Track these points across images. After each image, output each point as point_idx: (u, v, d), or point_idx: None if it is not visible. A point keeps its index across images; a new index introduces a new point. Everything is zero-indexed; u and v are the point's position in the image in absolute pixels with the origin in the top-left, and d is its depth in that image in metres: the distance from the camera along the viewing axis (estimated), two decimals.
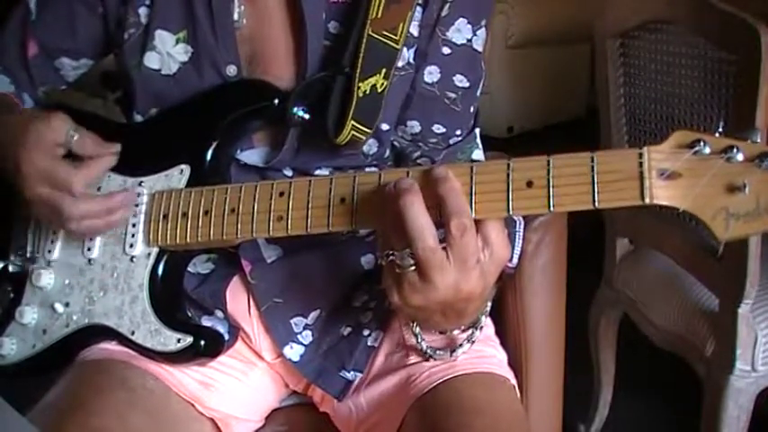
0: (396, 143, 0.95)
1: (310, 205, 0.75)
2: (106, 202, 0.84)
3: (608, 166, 0.64)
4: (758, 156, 0.60)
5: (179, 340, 0.83)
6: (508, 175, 0.66)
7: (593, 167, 0.64)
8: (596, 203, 0.64)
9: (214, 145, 0.88)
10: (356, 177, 0.74)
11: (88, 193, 0.84)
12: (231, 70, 0.89)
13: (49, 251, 0.90)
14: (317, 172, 0.93)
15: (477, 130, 0.95)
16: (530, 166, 0.66)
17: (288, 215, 0.77)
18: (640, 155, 0.63)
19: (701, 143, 0.61)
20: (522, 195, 0.66)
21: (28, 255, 0.92)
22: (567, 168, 0.65)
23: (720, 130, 0.62)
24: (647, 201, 0.62)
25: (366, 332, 0.93)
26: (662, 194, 0.62)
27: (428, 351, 0.86)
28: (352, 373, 0.92)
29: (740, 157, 0.60)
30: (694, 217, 0.62)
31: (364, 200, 0.73)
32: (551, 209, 0.65)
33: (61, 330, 0.88)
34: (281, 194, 0.77)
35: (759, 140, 0.61)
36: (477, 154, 0.95)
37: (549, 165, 0.65)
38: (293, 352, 0.93)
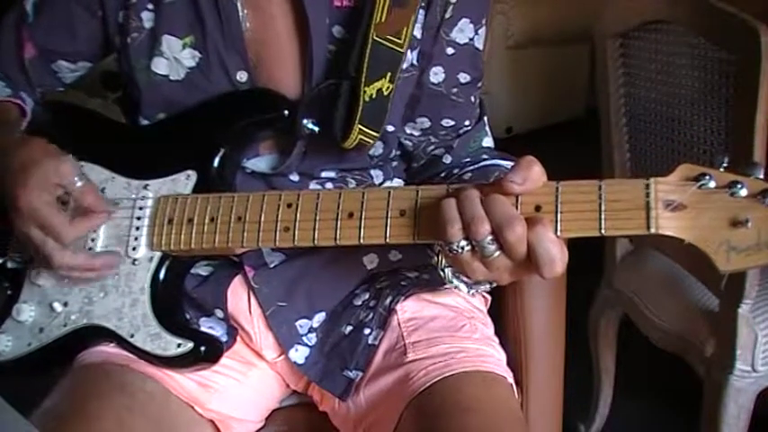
0: (407, 142, 0.96)
1: (318, 218, 0.76)
2: (88, 261, 0.84)
3: (615, 195, 0.65)
4: (761, 192, 0.62)
5: (179, 345, 0.83)
6: (517, 198, 0.67)
7: (600, 195, 0.65)
8: (602, 231, 0.65)
9: (221, 152, 0.88)
10: (365, 193, 0.75)
11: (71, 249, 0.83)
12: (242, 76, 0.89)
13: None
14: (324, 174, 0.93)
15: (486, 119, 0.97)
16: (538, 191, 0.67)
17: (294, 226, 0.77)
18: (647, 186, 0.64)
19: (707, 177, 0.63)
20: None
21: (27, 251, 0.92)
22: (575, 195, 0.66)
23: (725, 164, 0.64)
24: (653, 231, 0.64)
25: (367, 330, 0.93)
26: (667, 225, 0.64)
27: (472, 287, 0.80)
28: (354, 372, 0.92)
29: (744, 192, 0.62)
30: (697, 249, 0.63)
31: (372, 215, 0.74)
32: (558, 234, 0.66)
33: (58, 330, 0.87)
34: (289, 206, 0.78)
35: (762, 177, 0.63)
36: (488, 141, 0.97)
37: (557, 191, 0.67)
38: (298, 354, 0.93)
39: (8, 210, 0.84)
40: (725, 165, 0.64)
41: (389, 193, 0.74)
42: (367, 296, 0.96)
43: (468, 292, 0.76)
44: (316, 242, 0.76)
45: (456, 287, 0.76)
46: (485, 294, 1.01)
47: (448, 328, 0.91)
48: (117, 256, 0.85)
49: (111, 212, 0.86)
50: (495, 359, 0.90)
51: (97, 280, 0.86)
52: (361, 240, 0.74)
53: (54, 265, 0.83)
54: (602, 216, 0.65)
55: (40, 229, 0.82)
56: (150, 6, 0.89)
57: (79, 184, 0.83)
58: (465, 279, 0.75)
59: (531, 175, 0.66)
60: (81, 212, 0.84)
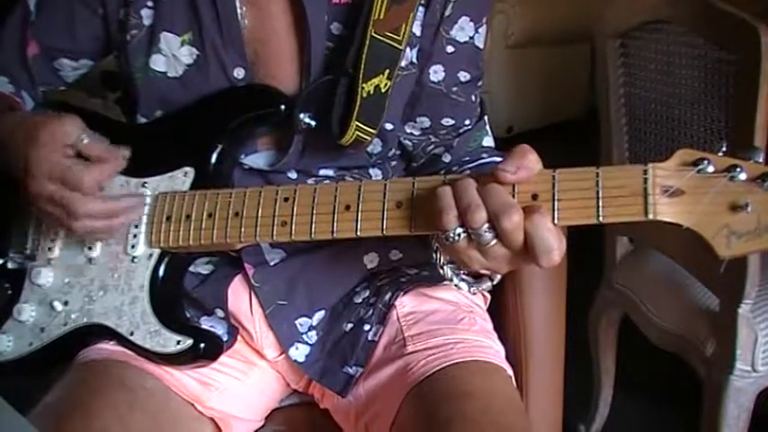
0: (406, 141, 0.96)
1: (315, 211, 0.76)
2: (112, 204, 0.84)
3: (613, 181, 0.64)
4: (760, 176, 0.61)
5: (178, 342, 0.83)
6: (514, 187, 0.67)
7: (597, 182, 0.65)
8: (600, 218, 0.64)
9: (219, 148, 0.88)
10: (361, 186, 0.75)
11: (96, 194, 0.83)
12: (239, 73, 0.89)
13: (50, 249, 0.90)
14: (322, 172, 0.93)
15: (486, 118, 0.97)
16: (535, 180, 0.67)
17: (292, 220, 0.77)
18: (645, 171, 0.64)
19: (705, 162, 0.62)
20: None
21: (28, 252, 0.92)
22: (572, 183, 0.66)
23: (724, 149, 0.63)
24: (651, 217, 0.63)
25: (367, 327, 0.93)
26: (665, 211, 0.63)
27: (473, 285, 0.79)
28: (354, 368, 0.92)
29: (743, 176, 0.61)
30: (696, 234, 0.63)
31: (369, 207, 0.73)
32: (555, 222, 0.65)
33: (59, 329, 0.88)
34: (286, 200, 0.78)
35: (761, 161, 0.62)
36: (488, 140, 0.97)
37: (554, 179, 0.66)
38: (298, 353, 0.93)
39: (22, 179, 0.83)
40: (723, 150, 0.63)
41: (386, 185, 0.73)
42: (367, 294, 0.96)
43: (470, 290, 0.76)
44: (313, 236, 0.76)
45: (456, 285, 0.75)
46: (484, 293, 1.01)
47: (447, 321, 0.91)
48: (138, 199, 0.85)
49: (125, 157, 0.85)
50: (493, 350, 0.90)
51: (112, 232, 0.85)
52: (358, 233, 0.74)
53: (77, 213, 0.81)
54: (600, 203, 0.64)
55: (59, 183, 0.81)
56: (150, 4, 0.89)
57: (86, 140, 0.83)
58: (465, 277, 0.75)
59: (525, 163, 0.66)
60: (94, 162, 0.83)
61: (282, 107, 0.87)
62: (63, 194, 0.81)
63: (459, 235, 0.67)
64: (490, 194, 0.65)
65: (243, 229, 0.80)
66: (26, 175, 0.82)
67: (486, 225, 0.65)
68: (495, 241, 0.66)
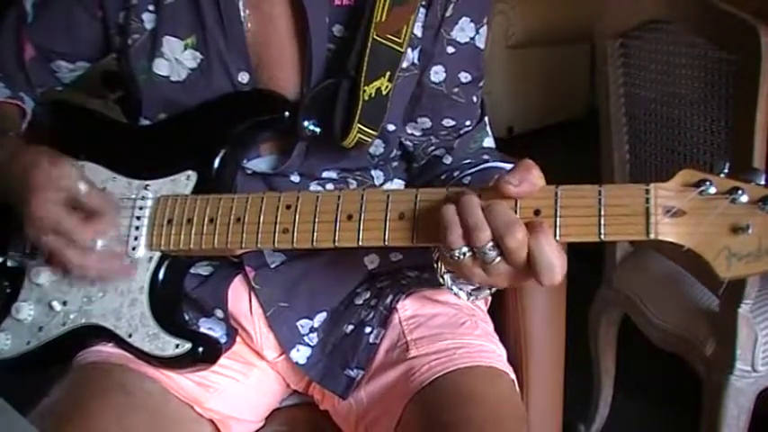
0: (407, 142, 0.96)
1: (317, 220, 0.76)
2: (105, 262, 0.84)
3: (615, 200, 0.65)
4: (762, 198, 0.61)
5: (177, 345, 0.83)
6: (516, 202, 0.67)
7: (600, 200, 0.65)
8: (602, 236, 0.65)
9: (222, 153, 0.88)
10: (364, 195, 0.75)
11: (88, 250, 0.84)
12: (243, 77, 0.89)
13: None
14: (324, 175, 0.93)
15: (487, 119, 0.97)
16: (538, 195, 0.67)
17: (294, 228, 0.77)
18: (647, 191, 0.64)
19: (707, 183, 0.63)
20: None
21: (27, 251, 0.91)
22: (575, 200, 0.66)
23: (726, 170, 0.63)
24: (652, 236, 0.63)
25: (368, 329, 0.93)
26: (667, 231, 0.63)
27: (472, 294, 0.80)
28: (355, 371, 0.92)
29: (744, 198, 0.62)
30: (697, 256, 0.63)
31: (371, 217, 0.74)
32: (557, 238, 0.66)
33: (57, 329, 0.88)
34: (288, 207, 0.78)
35: (762, 183, 0.62)
36: (489, 141, 0.97)
37: (557, 195, 0.67)
38: (300, 354, 0.93)
39: (21, 215, 0.84)
40: (725, 171, 0.63)
41: (388, 195, 0.74)
42: (368, 295, 0.96)
43: (468, 299, 0.77)
44: (314, 244, 0.76)
45: (456, 294, 0.76)
46: None
47: (449, 325, 0.91)
48: (128, 267, 0.85)
49: (119, 211, 0.86)
50: (496, 355, 0.90)
51: (108, 281, 0.86)
52: (360, 243, 0.74)
53: (71, 265, 0.83)
54: (602, 221, 0.65)
55: (54, 234, 0.82)
56: (151, 7, 0.89)
57: (83, 187, 0.83)
58: (464, 287, 0.75)
59: (529, 177, 0.66)
60: (90, 214, 0.84)
61: (286, 113, 0.87)
62: (59, 245, 0.82)
63: (464, 254, 0.67)
64: (494, 213, 0.66)
65: (244, 235, 0.80)
66: (25, 217, 0.83)
67: (491, 243, 0.66)
68: (499, 259, 0.66)
